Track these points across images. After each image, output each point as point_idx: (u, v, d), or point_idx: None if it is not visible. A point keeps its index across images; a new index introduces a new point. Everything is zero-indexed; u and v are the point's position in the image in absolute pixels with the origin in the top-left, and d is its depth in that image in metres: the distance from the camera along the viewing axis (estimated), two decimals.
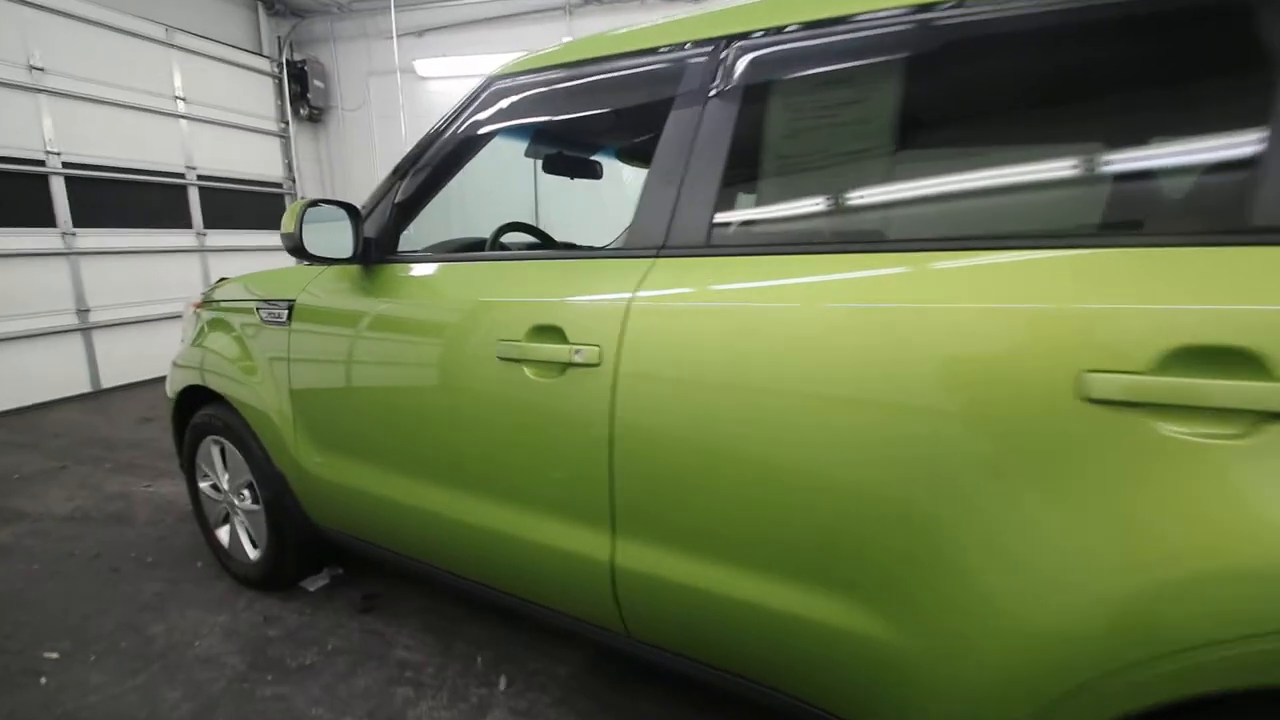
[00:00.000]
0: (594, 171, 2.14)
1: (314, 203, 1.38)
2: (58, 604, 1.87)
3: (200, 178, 5.04)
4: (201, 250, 5.09)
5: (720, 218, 1.02)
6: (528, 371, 1.14)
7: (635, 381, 1.02)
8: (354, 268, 1.50)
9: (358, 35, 5.86)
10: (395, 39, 5.34)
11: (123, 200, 4.44)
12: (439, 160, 1.44)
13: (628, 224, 2.72)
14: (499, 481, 1.24)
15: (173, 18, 4.79)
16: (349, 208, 1.42)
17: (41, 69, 3.93)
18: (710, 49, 1.06)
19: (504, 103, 1.37)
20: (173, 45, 4.77)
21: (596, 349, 1.05)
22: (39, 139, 3.95)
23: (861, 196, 1.01)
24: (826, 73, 0.96)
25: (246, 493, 1.85)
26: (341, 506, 1.59)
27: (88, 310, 4.26)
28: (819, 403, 0.86)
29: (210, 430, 1.90)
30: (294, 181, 6.02)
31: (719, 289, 0.98)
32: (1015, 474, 0.73)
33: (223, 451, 1.90)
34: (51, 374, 4.10)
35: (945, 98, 0.95)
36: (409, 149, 1.50)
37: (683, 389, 0.98)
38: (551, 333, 1.12)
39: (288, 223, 1.34)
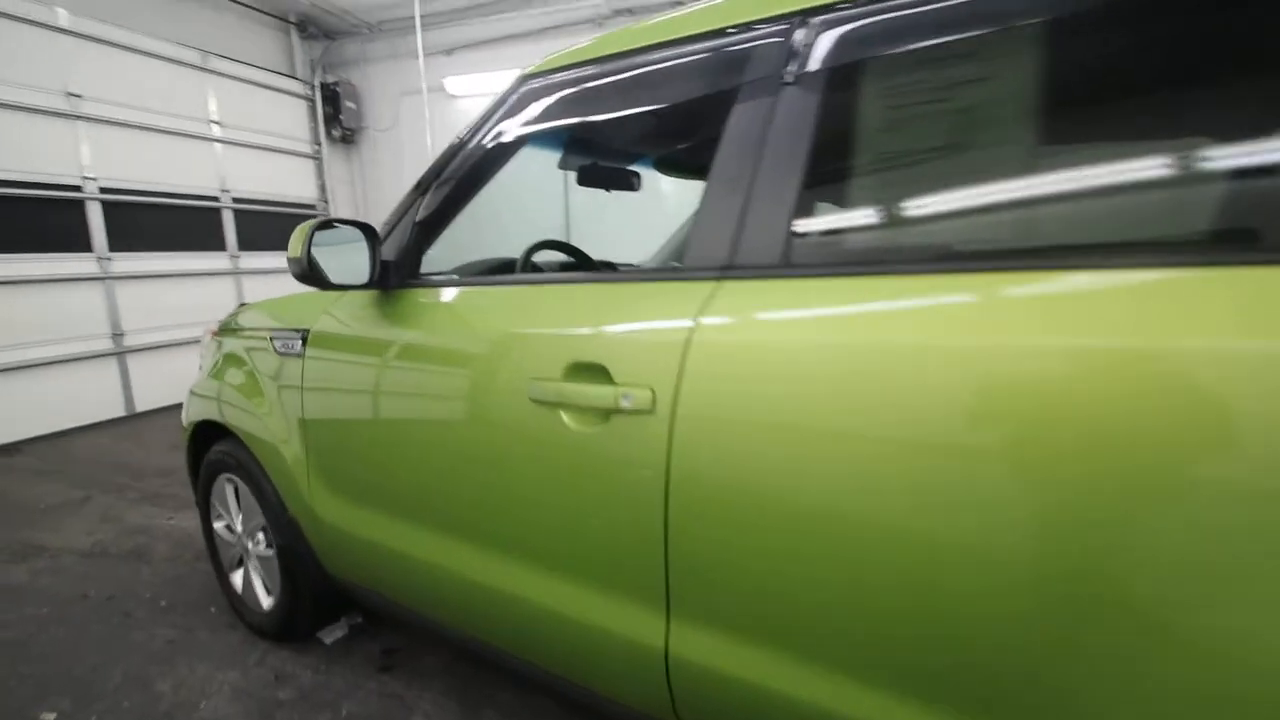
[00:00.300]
0: (631, 183, 1.97)
1: (325, 223, 1.23)
2: (65, 654, 1.75)
3: (234, 200, 5.05)
4: (235, 273, 5.09)
5: (801, 230, 0.83)
6: (565, 418, 0.96)
7: (696, 433, 0.83)
8: (372, 293, 1.35)
9: (388, 56, 5.87)
10: (421, 57, 5.30)
11: (157, 224, 4.45)
12: (464, 173, 1.29)
13: (667, 239, 2.55)
14: (532, 544, 1.06)
15: (208, 43, 4.83)
16: (365, 228, 1.27)
17: (79, 96, 3.96)
18: (784, 27, 0.88)
19: (536, 105, 1.21)
20: (208, 70, 4.80)
21: (648, 393, 0.86)
22: (75, 165, 3.97)
23: (991, 199, 0.80)
24: (941, 45, 0.76)
25: (261, 536, 1.71)
26: (358, 559, 1.43)
27: (122, 334, 4.26)
28: (945, 459, 0.66)
29: (224, 468, 1.76)
30: (326, 203, 6.03)
31: (803, 318, 0.79)
32: None
33: (237, 491, 1.76)
34: (87, 399, 4.09)
35: (1113, 70, 0.74)
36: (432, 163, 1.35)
37: (757, 442, 0.79)
38: (593, 372, 0.94)
39: (294, 246, 1.20)
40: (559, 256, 1.88)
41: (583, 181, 1.91)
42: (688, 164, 1.98)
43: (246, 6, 5.26)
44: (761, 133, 0.86)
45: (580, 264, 1.84)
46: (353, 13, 5.56)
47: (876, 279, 0.76)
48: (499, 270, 1.66)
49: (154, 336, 4.46)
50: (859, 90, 0.84)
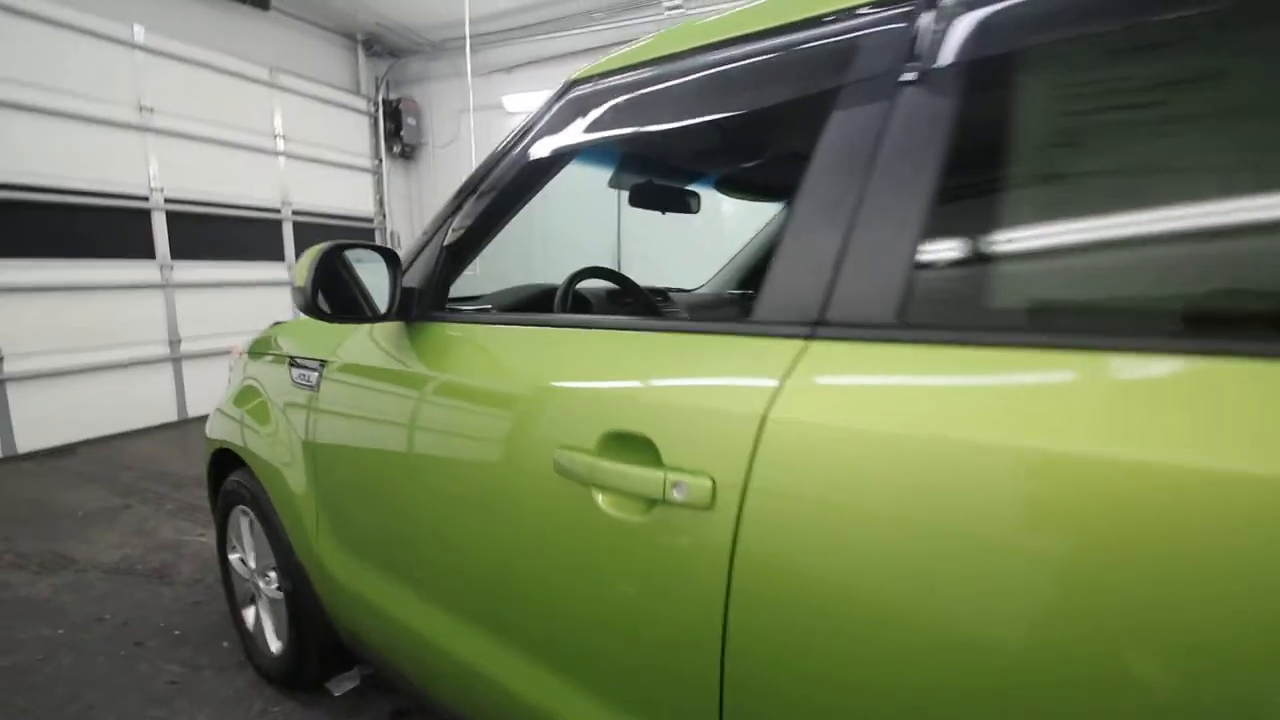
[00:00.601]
0: (689, 204, 1.79)
1: (340, 248, 1.08)
2: (63, 689, 1.64)
3: (294, 213, 5.12)
4: (291, 283, 5.17)
5: (926, 277, 0.62)
6: (598, 499, 0.77)
7: (770, 543, 0.63)
8: (394, 324, 1.20)
9: (451, 74, 5.91)
10: (470, 74, 5.31)
11: (218, 234, 4.53)
12: (501, 191, 1.13)
13: (723, 265, 2.35)
14: (555, 645, 0.87)
15: (277, 59, 4.95)
16: (387, 253, 1.12)
17: (150, 109, 4.07)
18: (905, 9, 0.67)
19: (584, 114, 1.04)
20: (275, 86, 4.90)
21: (707, 483, 0.66)
22: (144, 176, 4.07)
23: (1213, 245, 0.56)
24: (1144, 26, 0.54)
25: (272, 576, 1.57)
26: (360, 617, 1.27)
27: (179, 340, 4.33)
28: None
29: (239, 499, 1.64)
30: (385, 217, 6.09)
31: (926, 401, 0.57)
32: None
33: (251, 525, 1.64)
34: (141, 403, 4.15)
35: None
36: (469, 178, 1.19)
37: (847, 567, 0.58)
38: (636, 446, 0.74)
39: (299, 274, 1.05)
40: (603, 283, 1.70)
41: (635, 202, 1.74)
42: (757, 184, 1.78)
43: (315, 25, 5.38)
44: (871, 147, 0.66)
45: (629, 294, 1.65)
46: (417, 31, 5.63)
47: (1039, 352, 0.54)
48: (538, 301, 1.49)
49: (209, 344, 4.52)
50: (1015, 90, 0.62)
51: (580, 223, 4.97)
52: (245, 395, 1.62)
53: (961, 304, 0.62)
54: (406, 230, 6.35)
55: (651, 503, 0.72)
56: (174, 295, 4.28)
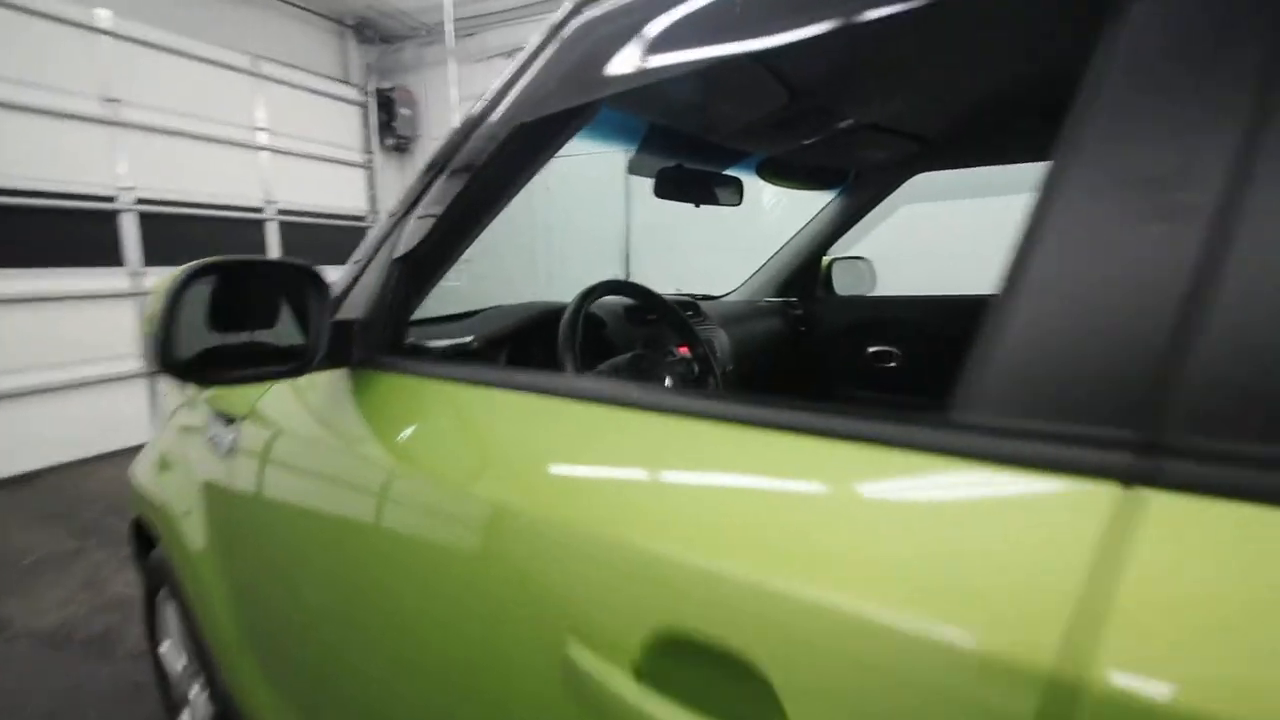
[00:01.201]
0: (731, 194, 1.41)
1: (205, 269, 0.71)
2: None
3: (280, 212, 4.76)
4: None
5: None
6: None
7: None
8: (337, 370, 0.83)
9: (447, 60, 5.53)
10: (453, 68, 4.92)
11: (196, 237, 4.17)
12: (479, 173, 0.75)
13: (761, 266, 1.96)
14: None
15: (258, 46, 4.58)
16: (298, 271, 0.74)
17: (117, 101, 3.71)
18: None
19: (596, 55, 0.66)
20: (257, 75, 4.53)
21: None
22: (110, 175, 3.72)
23: None
24: None
25: (201, 685, 1.21)
26: None
27: None
28: None
29: (164, 578, 1.29)
30: (377, 214, 5.73)
31: None
32: None
33: (179, 613, 1.28)
34: (112, 424, 3.81)
35: None
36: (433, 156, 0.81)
37: None
38: (712, 664, 0.37)
39: (149, 317, 0.69)
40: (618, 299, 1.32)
41: (662, 191, 1.36)
42: (805, 168, 1.38)
43: (301, 9, 5.01)
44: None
45: (651, 310, 1.27)
46: (412, 15, 5.25)
47: None
48: (539, 328, 1.11)
49: None
50: None
51: (582, 215, 4.59)
52: (169, 455, 1.26)
53: None
54: None
55: None
56: (146, 305, 3.93)
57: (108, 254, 3.74)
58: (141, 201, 3.85)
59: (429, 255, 0.80)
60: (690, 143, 1.30)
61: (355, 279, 0.83)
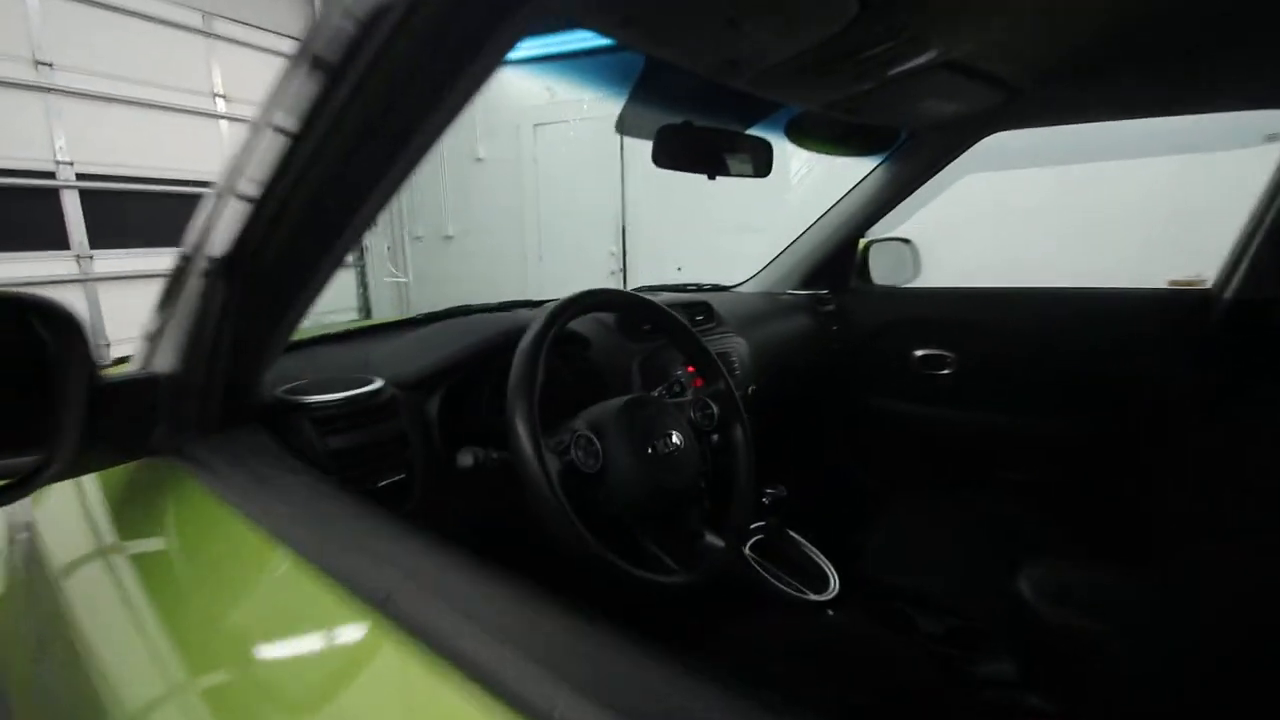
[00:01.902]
0: (757, 162, 1.08)
1: None
2: None
3: None
4: None
5: None
6: None
7: None
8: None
9: None
10: None
11: (148, 216, 3.81)
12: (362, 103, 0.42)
13: (779, 255, 1.60)
14: None
15: (212, 4, 4.15)
16: (39, 307, 0.42)
17: (49, 64, 3.31)
18: None
19: None
20: (212, 34, 4.12)
21: None
22: (48, 147, 3.34)
23: None
24: None
25: None
26: None
27: (108, 344, 3.65)
28: None
29: None
30: None
31: None
32: None
33: None
34: None
35: None
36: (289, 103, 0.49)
37: None
38: None
39: None
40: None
41: (662, 159, 1.03)
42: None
43: None
44: None
45: (649, 322, 0.94)
46: None
47: None
48: (498, 351, 0.79)
49: None
50: None
51: (575, 187, 4.22)
52: None
53: None
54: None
55: None
56: (96, 291, 3.59)
57: (50, 235, 3.38)
58: (83, 177, 3.48)
59: (288, 252, 0.48)
60: (702, 92, 0.96)
61: (169, 302, 0.51)
